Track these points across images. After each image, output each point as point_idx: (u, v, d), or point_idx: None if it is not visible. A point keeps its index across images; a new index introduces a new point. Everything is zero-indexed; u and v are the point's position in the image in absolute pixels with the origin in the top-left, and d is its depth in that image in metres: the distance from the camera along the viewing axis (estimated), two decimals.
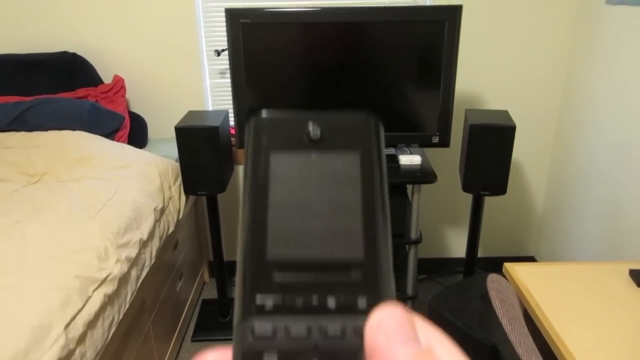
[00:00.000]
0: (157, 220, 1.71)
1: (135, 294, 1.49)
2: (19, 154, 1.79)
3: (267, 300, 0.23)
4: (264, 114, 0.27)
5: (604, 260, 1.87)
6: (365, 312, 0.22)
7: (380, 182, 0.26)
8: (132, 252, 1.49)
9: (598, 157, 1.94)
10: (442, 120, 1.85)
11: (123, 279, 1.41)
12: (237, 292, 0.23)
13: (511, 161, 1.77)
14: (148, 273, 1.60)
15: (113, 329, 1.34)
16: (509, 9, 2.12)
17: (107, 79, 2.22)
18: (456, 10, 1.72)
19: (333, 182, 0.25)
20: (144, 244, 1.58)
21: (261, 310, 0.23)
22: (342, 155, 0.26)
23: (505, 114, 1.83)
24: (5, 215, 1.45)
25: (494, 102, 2.23)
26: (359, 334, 0.22)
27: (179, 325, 2.08)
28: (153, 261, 1.64)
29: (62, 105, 2.02)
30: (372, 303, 0.23)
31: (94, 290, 1.27)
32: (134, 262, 1.49)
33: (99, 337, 1.25)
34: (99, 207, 1.53)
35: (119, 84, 2.18)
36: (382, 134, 0.26)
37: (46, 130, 1.91)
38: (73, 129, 1.92)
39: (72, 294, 1.20)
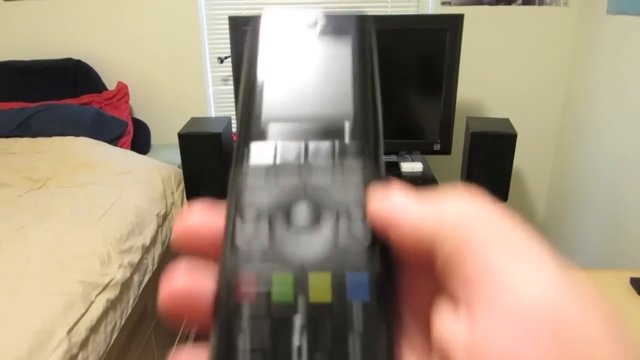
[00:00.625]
0: (160, 226, 1.72)
1: (137, 299, 1.50)
2: (23, 159, 1.80)
3: (262, 146, 0.24)
4: (266, 12, 0.29)
5: (604, 268, 1.87)
6: (353, 153, 0.23)
7: (373, 58, 0.27)
8: (135, 257, 1.50)
9: (599, 166, 1.95)
10: (444, 128, 1.86)
11: (125, 285, 1.42)
12: (234, 147, 0.25)
13: (512, 169, 1.78)
14: (150, 278, 1.61)
15: (115, 334, 1.34)
16: (511, 17, 2.13)
17: (111, 85, 2.23)
18: (458, 19, 1.74)
19: (326, 59, 0.27)
20: (146, 250, 1.59)
21: (255, 161, 0.23)
22: (336, 37, 0.27)
23: (506, 122, 1.83)
24: (8, 220, 1.46)
25: (495, 110, 2.24)
26: (347, 170, 0.23)
27: (181, 331, 2.08)
28: (155, 267, 1.64)
29: (66, 111, 2.03)
30: (359, 145, 0.24)
31: (97, 295, 1.28)
32: (136, 267, 1.50)
33: (101, 342, 1.26)
34: (102, 213, 1.53)
35: (122, 91, 2.20)
36: (373, 25, 0.28)
37: (50, 136, 1.93)
38: (77, 135, 1.93)
39: (74, 299, 1.21)
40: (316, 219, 0.22)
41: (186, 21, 2.19)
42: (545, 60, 2.19)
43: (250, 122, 0.25)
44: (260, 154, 0.24)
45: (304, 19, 0.28)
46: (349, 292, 0.20)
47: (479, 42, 2.12)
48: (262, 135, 0.24)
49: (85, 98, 2.14)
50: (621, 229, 1.80)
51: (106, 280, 1.33)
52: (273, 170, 0.23)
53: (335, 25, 0.28)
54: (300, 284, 0.20)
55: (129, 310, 1.44)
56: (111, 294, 1.33)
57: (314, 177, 0.23)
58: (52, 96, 2.11)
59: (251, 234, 0.21)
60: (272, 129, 0.24)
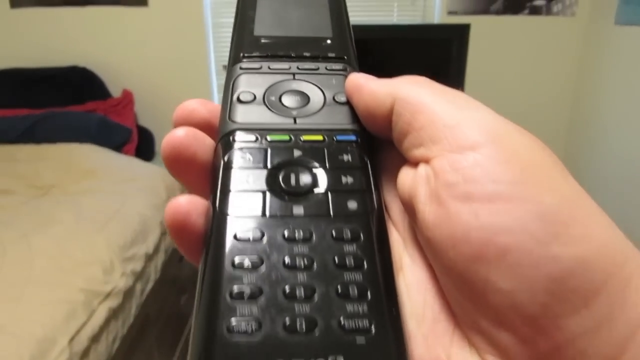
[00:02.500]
0: (163, 234, 1.71)
1: (140, 308, 1.49)
2: (27, 166, 1.80)
3: (254, 52, 0.26)
4: None
5: None
6: (335, 59, 0.27)
7: (344, 4, 0.31)
8: (138, 265, 1.49)
9: (607, 178, 1.93)
10: None
11: (128, 293, 1.41)
12: (228, 57, 0.27)
13: None
14: (153, 287, 1.60)
15: (117, 343, 1.33)
16: (518, 27, 2.13)
17: (116, 92, 2.24)
18: (464, 29, 1.73)
19: (307, 3, 0.30)
20: (149, 258, 1.58)
21: (249, 57, 0.26)
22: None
23: None
24: (12, 227, 1.46)
25: None
26: (331, 70, 0.26)
27: (183, 340, 2.07)
28: (158, 275, 1.64)
29: (71, 118, 2.03)
30: (340, 55, 0.27)
31: (99, 303, 1.27)
32: (139, 275, 1.49)
33: (102, 351, 1.25)
34: (105, 220, 1.53)
35: (127, 98, 2.20)
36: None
37: (55, 143, 1.92)
38: (81, 142, 1.93)
39: (77, 308, 1.20)
40: (305, 99, 0.24)
41: (192, 29, 2.19)
42: (552, 70, 2.18)
43: (243, 34, 0.28)
44: (253, 57, 0.26)
45: None
46: (337, 138, 0.22)
47: (485, 52, 2.11)
48: (254, 45, 0.27)
49: (90, 105, 2.14)
50: (629, 239, 1.78)
51: (108, 289, 1.32)
52: (265, 67, 0.25)
53: None
54: (295, 137, 0.22)
55: (131, 319, 1.43)
56: (113, 302, 1.32)
57: (302, 73, 0.25)
58: (57, 103, 2.11)
59: (247, 107, 0.24)
60: (264, 41, 0.27)
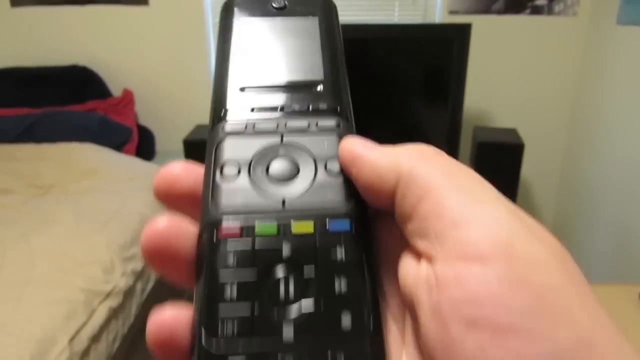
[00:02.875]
0: None
1: (140, 307, 1.49)
2: (28, 165, 1.80)
3: (238, 108, 0.24)
4: None
5: (613, 281, 1.85)
6: (326, 113, 0.24)
7: (338, 35, 0.29)
8: (138, 265, 1.49)
9: (608, 177, 1.93)
10: (451, 138, 1.85)
11: (128, 293, 1.41)
12: (210, 112, 0.25)
13: (519, 180, 1.76)
14: (153, 287, 1.59)
15: (117, 343, 1.33)
16: (519, 27, 2.12)
17: (116, 92, 2.23)
18: (465, 29, 1.73)
19: (295, 35, 0.28)
20: None
21: (232, 116, 0.24)
22: (304, 18, 0.29)
23: (513, 132, 1.82)
24: (12, 227, 1.45)
25: (502, 120, 2.23)
26: (322, 129, 0.24)
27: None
28: (158, 275, 1.63)
29: (71, 117, 2.03)
30: (332, 106, 0.25)
31: (99, 303, 1.27)
32: (139, 275, 1.49)
33: (103, 351, 1.25)
34: (105, 220, 1.53)
35: (128, 97, 2.19)
36: (336, 10, 0.30)
37: (55, 142, 1.92)
38: (82, 141, 1.93)
39: (77, 307, 1.20)
40: (294, 170, 0.22)
41: (192, 28, 2.19)
42: (553, 70, 2.18)
43: (225, 86, 0.25)
44: (237, 113, 0.24)
45: (271, 0, 0.29)
46: (329, 227, 0.21)
47: (486, 52, 2.11)
48: (238, 98, 0.25)
49: (90, 104, 2.14)
50: (630, 242, 1.78)
51: (109, 288, 1.32)
52: (250, 128, 0.23)
53: (301, 6, 0.29)
54: (284, 227, 0.20)
55: (132, 319, 1.42)
56: (114, 302, 1.32)
57: (291, 134, 0.23)
58: (57, 102, 2.11)
59: (232, 185, 0.22)
60: (248, 92, 0.25)
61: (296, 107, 0.24)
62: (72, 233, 1.44)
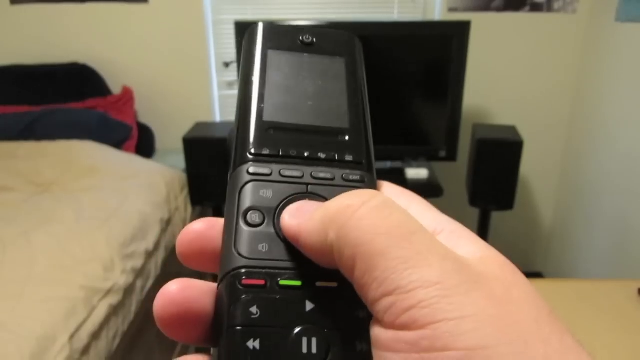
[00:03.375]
0: (163, 231, 1.71)
1: (140, 305, 1.49)
2: (28, 163, 1.80)
3: (264, 150, 0.24)
4: (262, 24, 0.30)
5: (612, 277, 1.86)
6: (352, 165, 0.24)
7: (362, 79, 0.29)
8: (138, 262, 1.49)
9: (607, 174, 1.93)
10: (450, 134, 1.85)
11: (128, 290, 1.41)
12: (233, 150, 0.25)
13: (519, 176, 1.76)
14: (153, 284, 1.60)
15: (118, 340, 1.33)
16: (518, 24, 2.12)
17: (116, 89, 2.23)
18: (464, 26, 1.73)
19: (322, 75, 0.28)
20: (149, 255, 1.58)
21: (257, 158, 0.24)
22: (331, 57, 0.29)
23: (513, 129, 1.82)
24: (12, 225, 1.46)
25: (502, 117, 2.23)
26: (347, 182, 0.24)
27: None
28: (158, 272, 1.64)
29: (71, 115, 2.03)
30: (357, 159, 0.25)
31: (99, 300, 1.27)
32: (139, 273, 1.49)
33: (103, 348, 1.25)
34: (105, 218, 1.53)
35: (127, 95, 2.19)
36: (361, 49, 0.30)
37: (55, 140, 1.92)
38: (81, 139, 1.93)
39: (77, 305, 1.20)
40: None
41: (192, 26, 2.19)
42: (552, 67, 2.18)
43: (250, 124, 0.25)
44: (262, 155, 0.24)
45: (300, 35, 0.29)
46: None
47: (486, 49, 2.11)
48: (264, 138, 0.24)
49: (90, 102, 2.14)
50: (629, 238, 1.78)
51: (109, 286, 1.32)
52: (276, 174, 0.23)
53: (328, 43, 0.29)
54: (308, 281, 0.20)
55: (132, 317, 1.43)
56: (114, 299, 1.32)
57: (316, 184, 0.23)
58: (57, 100, 2.11)
59: (256, 233, 0.21)
60: (274, 133, 0.25)
61: (322, 155, 0.24)
62: (72, 231, 1.44)
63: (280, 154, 0.24)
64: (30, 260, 1.30)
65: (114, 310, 1.32)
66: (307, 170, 0.23)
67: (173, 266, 1.88)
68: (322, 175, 0.23)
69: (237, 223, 0.21)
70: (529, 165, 2.27)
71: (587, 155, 2.10)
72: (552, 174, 2.35)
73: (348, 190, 0.22)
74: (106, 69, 2.23)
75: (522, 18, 2.11)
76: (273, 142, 0.24)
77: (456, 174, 2.21)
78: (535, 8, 2.09)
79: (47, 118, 1.98)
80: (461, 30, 1.73)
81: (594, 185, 2.03)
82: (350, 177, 0.24)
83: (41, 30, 2.21)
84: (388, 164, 2.04)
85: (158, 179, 1.84)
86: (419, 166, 1.94)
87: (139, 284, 1.49)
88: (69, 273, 1.27)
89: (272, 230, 0.21)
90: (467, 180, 1.90)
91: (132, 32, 2.21)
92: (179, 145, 1.76)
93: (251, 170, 0.23)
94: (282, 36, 0.29)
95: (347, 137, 0.25)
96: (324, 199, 0.22)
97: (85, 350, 1.17)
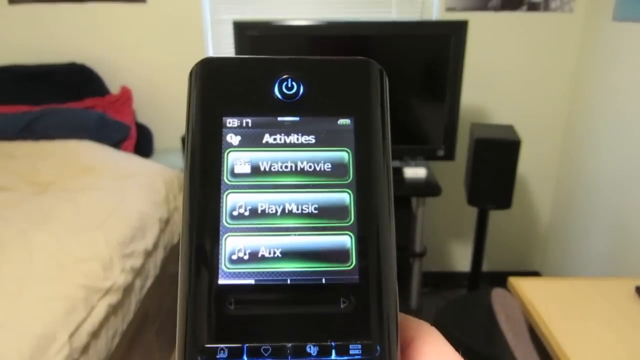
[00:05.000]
0: (162, 231, 1.72)
1: (139, 304, 1.49)
2: (26, 163, 1.80)
3: (220, 344, 0.17)
4: (212, 60, 0.20)
5: (609, 276, 1.86)
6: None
7: (388, 157, 0.18)
8: (137, 262, 1.50)
9: (604, 173, 1.94)
10: (448, 134, 1.85)
11: (127, 289, 1.41)
12: (177, 334, 0.18)
13: (516, 175, 1.77)
14: (152, 283, 1.60)
15: (117, 340, 1.33)
16: (516, 23, 2.13)
17: (114, 89, 2.23)
18: (462, 26, 1.73)
19: (313, 162, 0.18)
20: (148, 254, 1.58)
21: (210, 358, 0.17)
22: (328, 124, 0.18)
23: (510, 128, 1.83)
24: (11, 224, 1.46)
25: (499, 116, 2.23)
26: None
27: None
28: (157, 272, 1.64)
29: (70, 115, 2.03)
30: (368, 348, 0.16)
31: (99, 299, 1.28)
32: (138, 272, 1.50)
33: (102, 347, 1.25)
34: (104, 217, 1.53)
35: (126, 95, 2.20)
36: (387, 88, 0.19)
37: (53, 139, 1.93)
38: (80, 138, 1.93)
39: (76, 304, 1.20)
40: None
41: (191, 26, 2.19)
42: (550, 66, 2.19)
43: (194, 299, 0.17)
44: None
45: (273, 76, 0.19)
46: None
47: (483, 48, 2.11)
48: (218, 327, 0.17)
49: (88, 102, 2.14)
50: (627, 237, 1.79)
51: (108, 285, 1.32)
52: None
53: (327, 89, 0.19)
54: None
55: (131, 316, 1.43)
56: (113, 298, 1.32)
57: None
58: (55, 100, 2.11)
59: None
60: (233, 313, 0.17)
61: (311, 348, 0.17)
62: (71, 230, 1.44)
63: (246, 355, 0.16)
64: (29, 259, 1.30)
65: (113, 310, 1.33)
66: None
67: (172, 266, 1.88)
68: None
69: None
70: (526, 165, 2.28)
71: (584, 154, 2.10)
72: (549, 173, 2.35)
73: None
74: (104, 68, 2.23)
75: (519, 17, 2.12)
76: (234, 328, 0.17)
77: (454, 173, 2.21)
78: (533, 7, 2.10)
79: (46, 118, 1.98)
80: (459, 29, 1.74)
81: (591, 184, 2.04)
82: None
83: (39, 30, 2.21)
84: None
85: (157, 179, 1.84)
86: (417, 165, 1.95)
87: (138, 283, 1.49)
88: (69, 272, 1.28)
89: None
90: (465, 179, 1.90)
91: (131, 32, 2.21)
92: (178, 145, 1.76)
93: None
94: (246, 85, 0.19)
95: (352, 303, 0.17)
96: None
97: (85, 349, 1.17)
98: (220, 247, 0.17)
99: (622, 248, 1.81)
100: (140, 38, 2.22)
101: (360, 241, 0.17)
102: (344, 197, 0.17)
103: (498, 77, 2.20)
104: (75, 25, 2.20)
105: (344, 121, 0.18)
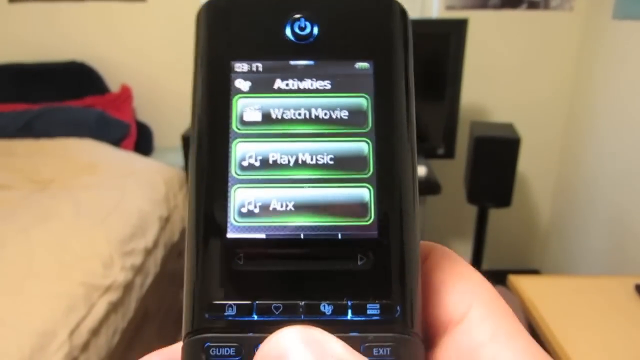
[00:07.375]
0: (162, 229, 1.72)
1: (139, 302, 1.49)
2: (26, 161, 1.80)
3: (227, 308, 0.16)
4: (219, 1, 0.20)
5: (609, 274, 1.86)
6: (377, 323, 0.15)
7: (411, 103, 0.17)
8: (137, 260, 1.50)
9: (604, 171, 1.94)
10: (448, 132, 1.85)
11: (127, 287, 1.41)
12: (184, 303, 0.17)
13: (516, 173, 1.77)
14: (152, 281, 1.60)
15: (117, 337, 1.34)
16: (516, 22, 2.13)
17: (114, 87, 2.23)
18: (462, 24, 1.73)
19: (328, 109, 0.17)
20: (148, 252, 1.58)
21: (218, 324, 0.16)
22: (345, 68, 0.17)
23: (510, 127, 1.83)
24: (11, 222, 1.46)
25: (499, 115, 2.23)
26: (370, 353, 0.15)
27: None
28: (158, 269, 1.64)
29: (70, 113, 2.03)
30: (387, 308, 0.16)
31: (99, 297, 1.28)
32: (138, 270, 1.50)
33: (102, 345, 1.25)
34: (104, 215, 1.53)
35: (126, 93, 2.20)
36: (410, 30, 0.18)
37: (53, 137, 1.93)
38: (80, 136, 1.93)
39: (77, 301, 1.20)
40: None
41: (190, 23, 2.18)
42: (550, 65, 2.19)
43: (202, 255, 0.17)
44: (224, 327, 0.17)
45: (284, 16, 0.18)
46: None
47: (483, 47, 2.11)
48: (226, 285, 0.17)
49: (88, 100, 2.14)
50: (627, 235, 1.79)
51: (108, 283, 1.32)
52: None
53: (343, 30, 0.18)
54: None
55: (131, 313, 1.43)
56: (113, 296, 1.33)
57: None
58: (55, 98, 2.11)
59: None
60: (242, 269, 0.17)
61: (326, 307, 0.16)
62: (71, 228, 1.44)
63: (256, 313, 0.16)
64: (29, 257, 1.30)
65: (114, 307, 1.33)
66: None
67: (172, 264, 1.89)
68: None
69: None
70: (526, 163, 2.28)
71: (584, 152, 2.10)
72: (549, 171, 2.35)
73: None
74: (104, 67, 2.23)
75: (519, 16, 2.12)
76: (243, 284, 0.16)
77: (454, 171, 2.22)
78: (533, 6, 2.10)
79: (46, 116, 1.99)
80: (458, 28, 1.74)
81: (591, 182, 2.04)
82: (375, 352, 0.15)
83: (39, 29, 2.21)
84: None
85: (157, 177, 1.84)
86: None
87: (138, 281, 1.49)
88: (69, 270, 1.28)
89: None
90: (464, 178, 1.90)
91: (131, 30, 2.21)
92: (178, 143, 1.76)
93: (211, 352, 0.16)
94: (256, 25, 0.18)
95: (370, 260, 0.16)
96: None
97: (85, 346, 1.18)
98: (229, 199, 0.17)
99: (622, 246, 1.82)
100: (140, 36, 2.22)
101: (380, 194, 0.16)
102: (362, 147, 0.17)
103: (498, 75, 2.20)
104: (75, 23, 2.20)
105: (362, 65, 0.17)
